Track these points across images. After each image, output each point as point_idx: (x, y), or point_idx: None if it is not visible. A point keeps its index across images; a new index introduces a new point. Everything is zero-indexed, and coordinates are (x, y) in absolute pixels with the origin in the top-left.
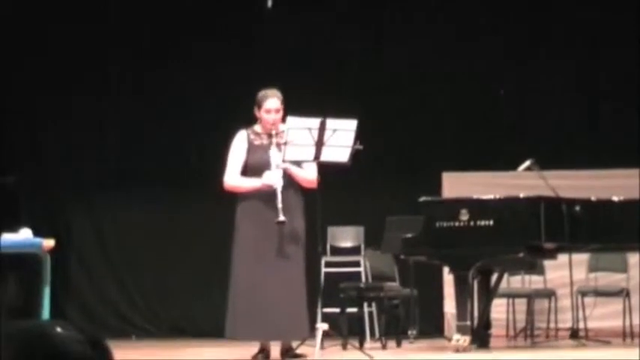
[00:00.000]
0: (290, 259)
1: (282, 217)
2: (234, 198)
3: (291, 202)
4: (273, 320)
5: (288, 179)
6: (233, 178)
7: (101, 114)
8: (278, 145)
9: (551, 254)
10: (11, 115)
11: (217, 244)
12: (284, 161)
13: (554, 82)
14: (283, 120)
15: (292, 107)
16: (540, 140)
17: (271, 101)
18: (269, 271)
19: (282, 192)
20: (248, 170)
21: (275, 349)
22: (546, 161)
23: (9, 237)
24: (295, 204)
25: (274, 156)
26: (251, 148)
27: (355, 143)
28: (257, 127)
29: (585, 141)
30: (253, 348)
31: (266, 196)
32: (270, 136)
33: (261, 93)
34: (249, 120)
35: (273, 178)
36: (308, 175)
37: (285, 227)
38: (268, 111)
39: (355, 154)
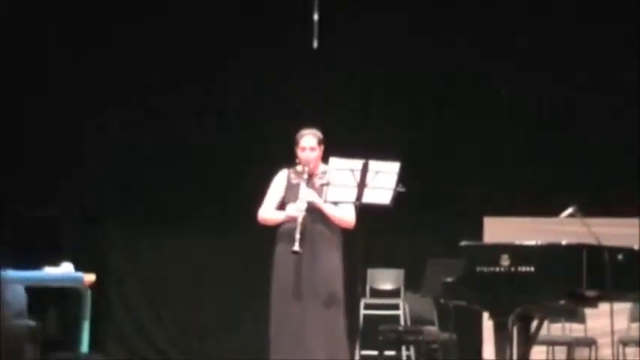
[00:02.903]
0: (327, 299)
1: (297, 247)
2: (273, 234)
3: (323, 239)
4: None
5: (321, 217)
6: (265, 211)
7: (142, 149)
8: (313, 185)
9: (593, 302)
10: (56, 147)
11: (253, 279)
12: (325, 201)
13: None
14: (324, 159)
15: (332, 142)
16: (583, 187)
17: (307, 139)
18: (307, 313)
19: (312, 227)
20: (285, 208)
21: None
22: (590, 208)
23: (51, 271)
24: (329, 243)
25: (303, 189)
26: (289, 186)
27: (397, 186)
28: (298, 167)
29: (632, 189)
30: None
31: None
32: (310, 175)
33: (300, 132)
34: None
35: (294, 210)
36: (342, 214)
37: (317, 266)
38: (303, 149)
39: (397, 196)
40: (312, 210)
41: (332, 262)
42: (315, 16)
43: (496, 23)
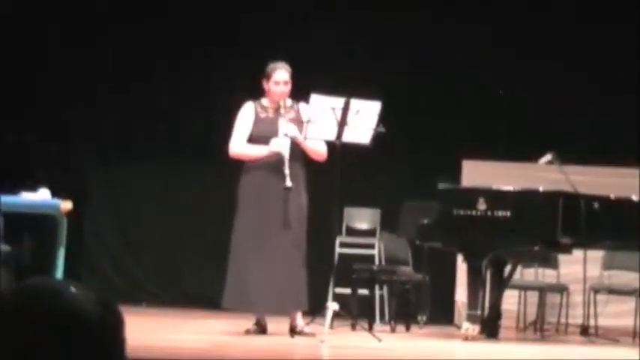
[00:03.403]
0: (292, 232)
1: (289, 183)
2: (240, 167)
3: (296, 175)
4: (270, 294)
5: (295, 151)
6: (239, 145)
7: (119, 92)
8: (286, 119)
9: (567, 249)
10: (39, 83)
11: (229, 211)
12: (305, 138)
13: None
14: (292, 96)
15: (316, 87)
16: (565, 134)
17: (280, 73)
18: (270, 243)
19: (289, 162)
20: (253, 142)
21: (284, 326)
22: (568, 156)
23: (28, 196)
24: (299, 177)
25: (283, 125)
26: (257, 120)
27: (378, 126)
28: (264, 101)
29: (608, 139)
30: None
31: (271, 165)
32: (277, 110)
33: (271, 65)
34: (255, 92)
35: (280, 146)
36: (316, 146)
37: (289, 199)
38: (277, 83)
39: (377, 137)
40: (291, 146)
41: (301, 196)
42: None
43: None
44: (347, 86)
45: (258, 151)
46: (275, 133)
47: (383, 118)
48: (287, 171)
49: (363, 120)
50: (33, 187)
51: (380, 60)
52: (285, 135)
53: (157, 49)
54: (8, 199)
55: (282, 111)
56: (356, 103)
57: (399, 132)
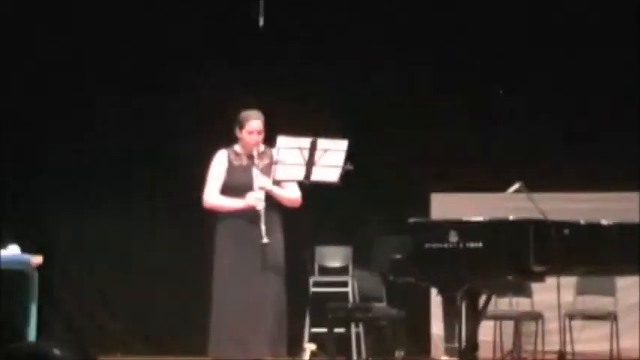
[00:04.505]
0: (272, 280)
1: (266, 239)
2: (214, 216)
3: (272, 223)
4: (256, 339)
5: (270, 201)
6: (213, 197)
7: (80, 127)
8: (260, 167)
9: (540, 277)
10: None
11: (199, 259)
12: (274, 180)
13: (540, 105)
14: (265, 142)
15: (281, 124)
16: (529, 162)
17: (254, 122)
18: (251, 290)
19: (265, 213)
20: (227, 191)
21: None
22: (535, 183)
23: None
24: (276, 225)
25: (257, 177)
26: (231, 168)
27: (346, 163)
28: (237, 148)
29: (574, 164)
30: None
31: (247, 216)
32: (250, 157)
33: (244, 114)
34: (227, 131)
35: (256, 200)
36: (291, 194)
37: (268, 248)
38: (251, 132)
39: (345, 174)
40: (266, 196)
41: (277, 240)
42: None
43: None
44: (314, 123)
45: (234, 204)
46: (249, 182)
47: (350, 155)
48: (263, 227)
49: (331, 158)
50: (1, 244)
51: (344, 95)
52: (261, 188)
53: (120, 97)
54: None
55: (255, 160)
56: (323, 142)
57: (366, 168)
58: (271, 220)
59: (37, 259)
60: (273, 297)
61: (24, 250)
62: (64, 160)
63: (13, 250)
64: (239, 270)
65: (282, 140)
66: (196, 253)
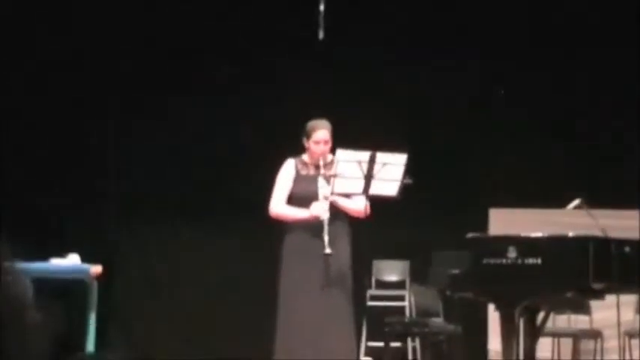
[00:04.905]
0: (337, 291)
1: (328, 250)
2: (281, 228)
3: (337, 233)
4: (322, 350)
5: (336, 211)
6: (280, 206)
7: (150, 142)
8: (326, 176)
9: (600, 295)
10: (60, 139)
11: (263, 272)
12: (332, 194)
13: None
14: (332, 151)
15: (341, 138)
16: (591, 178)
17: (321, 132)
18: (317, 303)
19: (329, 224)
20: (293, 200)
21: None
22: (595, 200)
23: (57, 262)
24: (342, 235)
25: (322, 187)
26: (298, 177)
27: (405, 177)
28: (305, 157)
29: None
30: None
31: (313, 227)
32: (317, 167)
33: (311, 123)
34: (297, 149)
35: (320, 210)
36: (357, 205)
37: (331, 259)
38: (317, 142)
39: (404, 188)
40: (331, 206)
41: (343, 254)
42: (321, 7)
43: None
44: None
45: (299, 214)
46: (315, 192)
47: (410, 169)
48: (326, 237)
49: (390, 172)
50: (62, 253)
51: (405, 112)
52: (325, 198)
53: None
54: (37, 266)
55: (321, 170)
56: (382, 156)
57: (425, 182)
58: (337, 230)
59: (96, 269)
60: (338, 310)
61: (84, 259)
62: (127, 170)
63: (73, 260)
64: (305, 283)
65: (340, 153)
66: (260, 265)
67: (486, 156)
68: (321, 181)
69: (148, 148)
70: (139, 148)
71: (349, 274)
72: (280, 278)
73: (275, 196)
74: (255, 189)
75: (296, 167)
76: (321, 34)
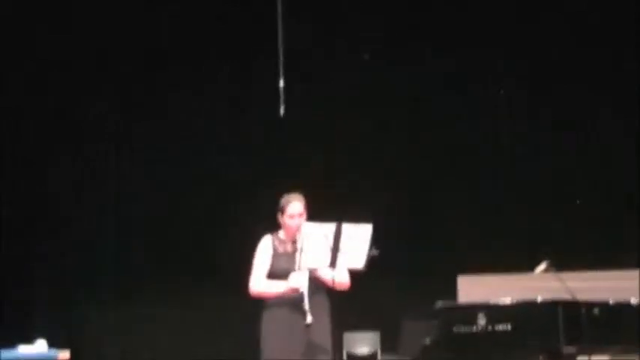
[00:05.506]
0: None
1: (309, 319)
2: (259, 305)
3: (319, 307)
4: None
5: (316, 283)
6: (259, 284)
7: (114, 214)
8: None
9: (571, 358)
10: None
11: (244, 344)
12: (299, 268)
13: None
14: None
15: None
16: (556, 241)
17: (294, 205)
18: None
19: (310, 296)
20: (271, 277)
21: None
22: (564, 262)
23: (25, 349)
24: (322, 306)
25: (300, 259)
26: (275, 255)
27: (371, 249)
28: (281, 234)
29: (603, 242)
30: None
31: (291, 300)
32: (294, 242)
33: (284, 198)
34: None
35: (299, 281)
36: (341, 277)
37: (313, 331)
38: (292, 216)
39: (370, 259)
40: (312, 278)
41: (325, 328)
42: (281, 83)
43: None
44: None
45: (278, 287)
46: (293, 268)
47: (375, 238)
48: (307, 307)
49: (356, 244)
50: (30, 339)
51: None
52: (305, 269)
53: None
54: (5, 354)
55: (299, 243)
56: (347, 228)
57: (391, 251)
58: (317, 303)
59: (64, 354)
60: None
61: (52, 344)
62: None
63: (40, 346)
64: (286, 357)
65: (306, 227)
66: (243, 336)
67: (452, 223)
68: (299, 256)
69: (113, 223)
70: (102, 223)
71: (330, 348)
72: (262, 354)
73: (254, 274)
74: (231, 257)
75: (273, 244)
76: (282, 110)
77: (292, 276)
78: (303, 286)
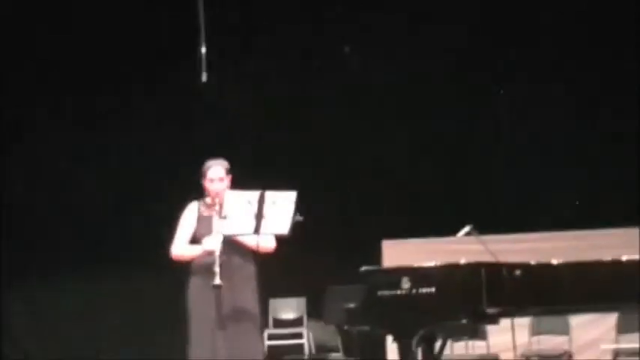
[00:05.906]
0: (242, 328)
1: (217, 281)
2: (185, 270)
3: (241, 272)
4: None
5: (237, 247)
6: (179, 247)
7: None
8: (221, 216)
9: (494, 319)
10: None
11: (172, 316)
12: (223, 235)
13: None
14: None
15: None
16: (480, 204)
17: (214, 170)
18: (228, 344)
19: (228, 260)
20: (197, 242)
21: None
22: (486, 225)
23: None
24: (250, 275)
25: (217, 223)
26: (200, 219)
27: (295, 214)
28: (208, 199)
29: (524, 204)
30: None
31: (210, 266)
32: (222, 208)
33: (207, 163)
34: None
35: (212, 243)
36: (266, 242)
37: (240, 299)
38: (211, 180)
39: (295, 225)
40: (228, 242)
41: (250, 293)
42: (203, 50)
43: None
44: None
45: (194, 250)
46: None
47: (300, 205)
48: (217, 269)
49: (280, 210)
50: None
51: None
52: (217, 232)
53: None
54: None
55: (217, 208)
56: (271, 195)
57: (316, 217)
58: (244, 269)
59: None
60: (244, 347)
61: None
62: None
63: None
64: (207, 323)
65: (229, 194)
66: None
67: (376, 188)
68: (215, 219)
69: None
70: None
71: (256, 314)
72: (189, 322)
73: (175, 238)
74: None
75: (199, 209)
76: (204, 77)
77: (206, 239)
78: (216, 248)
